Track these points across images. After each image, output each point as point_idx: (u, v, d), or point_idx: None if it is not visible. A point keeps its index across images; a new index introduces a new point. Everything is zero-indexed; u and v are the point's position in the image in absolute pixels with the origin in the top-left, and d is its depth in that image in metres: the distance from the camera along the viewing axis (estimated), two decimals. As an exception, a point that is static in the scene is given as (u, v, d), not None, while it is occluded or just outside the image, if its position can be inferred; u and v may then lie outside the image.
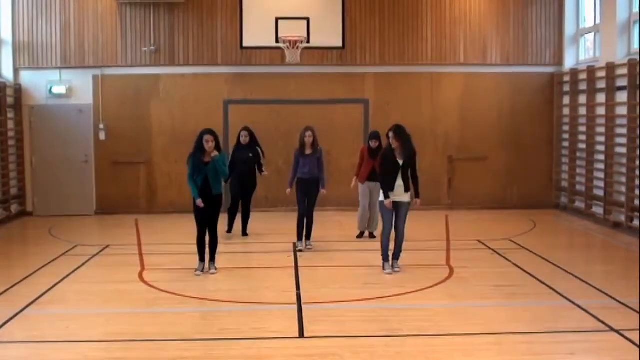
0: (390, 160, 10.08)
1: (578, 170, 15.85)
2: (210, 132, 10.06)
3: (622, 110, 13.72)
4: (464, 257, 11.11)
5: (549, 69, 16.72)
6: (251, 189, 13.21)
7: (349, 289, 9.38)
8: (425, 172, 15.46)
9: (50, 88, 16.05)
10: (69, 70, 16.14)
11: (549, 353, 6.98)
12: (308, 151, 11.80)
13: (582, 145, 15.54)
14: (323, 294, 9.12)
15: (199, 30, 16.25)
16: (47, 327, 7.88)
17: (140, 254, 10.63)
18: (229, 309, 8.53)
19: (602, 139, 14.57)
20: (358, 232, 12.91)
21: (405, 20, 16.45)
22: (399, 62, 16.49)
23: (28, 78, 16.15)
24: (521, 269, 10.43)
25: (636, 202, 13.21)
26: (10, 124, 15.67)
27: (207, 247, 10.27)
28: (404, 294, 9.08)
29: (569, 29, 16.46)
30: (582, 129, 15.55)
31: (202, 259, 10.24)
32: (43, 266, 10.81)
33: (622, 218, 13.69)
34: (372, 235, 12.72)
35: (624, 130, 13.64)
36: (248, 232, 13.30)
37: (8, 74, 15.90)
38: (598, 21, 15.21)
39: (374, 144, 12.30)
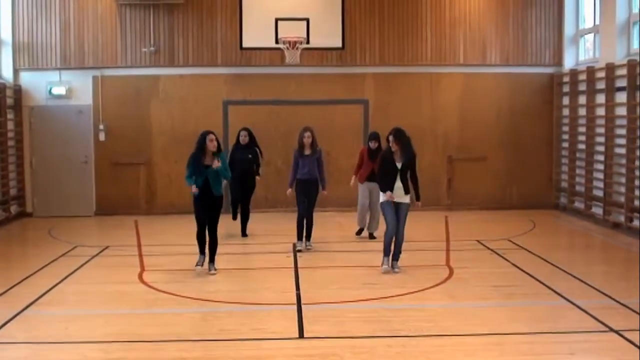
0: (389, 163, 10.08)
1: (577, 171, 15.86)
2: (212, 132, 10.11)
3: (622, 111, 13.72)
4: (463, 257, 11.12)
5: (549, 70, 16.72)
6: (250, 190, 13.24)
7: (348, 289, 9.38)
8: (425, 172, 15.44)
9: (50, 89, 16.05)
10: (68, 71, 16.14)
11: (549, 353, 6.98)
12: (307, 151, 11.81)
13: (582, 146, 15.54)
14: (323, 294, 9.12)
15: (199, 31, 16.25)
16: (47, 327, 7.88)
17: (140, 255, 10.63)
18: (228, 310, 8.53)
19: (601, 139, 14.57)
20: (357, 229, 12.88)
21: (404, 20, 16.45)
22: (398, 63, 16.49)
23: (28, 79, 16.15)
24: (520, 269, 10.43)
25: (636, 202, 13.21)
26: (10, 125, 15.67)
27: (206, 240, 10.29)
28: (404, 294, 9.08)
29: (568, 29, 16.46)
30: (582, 129, 15.55)
31: (202, 252, 10.27)
32: (43, 267, 10.81)
33: (622, 218, 13.69)
34: (371, 236, 12.71)
35: (623, 131, 13.64)
36: (247, 232, 13.31)
37: (8, 75, 15.90)
38: (597, 22, 15.21)
39: (373, 144, 12.30)
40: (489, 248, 12.03)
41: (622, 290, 9.08)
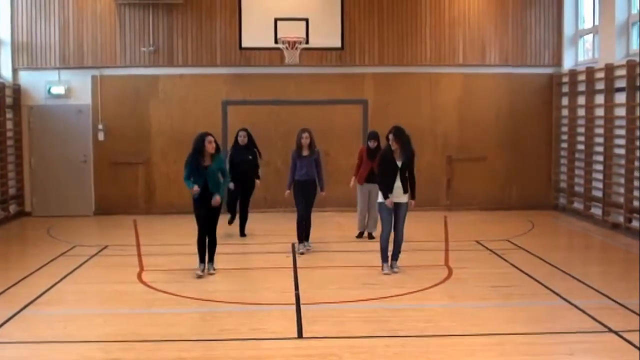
0: (389, 162, 10.08)
1: (577, 171, 15.86)
2: (210, 134, 10.09)
3: (621, 112, 13.73)
4: (462, 257, 11.12)
5: (548, 70, 16.73)
6: (249, 190, 13.22)
7: (348, 290, 9.38)
8: (424, 173, 15.53)
9: (49, 88, 16.04)
10: (67, 70, 16.14)
11: (548, 353, 6.98)
12: (305, 152, 11.78)
13: (581, 146, 15.54)
14: (322, 294, 9.12)
15: (198, 31, 16.25)
16: (46, 327, 7.87)
17: (139, 255, 10.63)
18: (227, 310, 8.52)
19: (600, 140, 14.57)
20: (357, 232, 12.90)
21: (404, 20, 16.45)
22: (397, 63, 16.49)
23: (27, 78, 16.15)
24: (519, 269, 10.43)
25: (635, 203, 13.21)
26: (9, 124, 15.67)
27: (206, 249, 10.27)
28: (403, 294, 9.08)
29: (567, 30, 16.47)
30: (581, 130, 15.55)
31: (202, 260, 10.23)
32: (41, 267, 10.81)
33: (621, 219, 13.69)
34: (370, 236, 12.72)
35: (622, 132, 13.64)
36: (246, 232, 13.30)
37: (7, 74, 15.90)
38: (597, 22, 15.22)
39: (372, 144, 12.29)
40: (488, 248, 12.03)
41: (621, 290, 9.09)
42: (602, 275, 10.24)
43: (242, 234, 13.27)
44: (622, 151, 13.61)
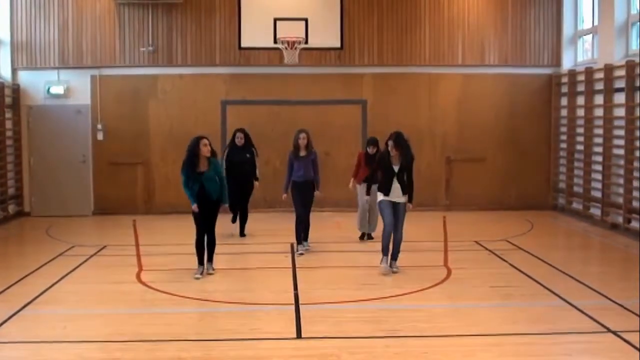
0: (386, 166, 10.06)
1: (576, 172, 15.87)
2: (205, 137, 10.03)
3: (620, 112, 13.73)
4: (461, 258, 11.12)
5: (547, 70, 16.73)
6: (248, 191, 13.19)
7: (346, 290, 9.38)
8: (423, 173, 15.55)
9: (48, 88, 16.04)
10: (67, 70, 16.14)
11: (547, 354, 6.99)
12: (302, 153, 11.74)
13: (580, 147, 15.54)
14: (321, 294, 9.12)
15: (197, 31, 16.25)
16: (45, 327, 7.86)
17: (138, 255, 10.62)
18: (226, 310, 8.52)
19: (599, 140, 14.58)
20: (360, 234, 12.77)
21: (403, 21, 16.46)
22: (397, 63, 16.49)
23: (26, 78, 16.15)
24: (518, 269, 10.44)
25: (634, 203, 13.22)
26: (8, 124, 15.67)
27: (205, 249, 10.26)
28: (402, 294, 9.08)
29: (567, 30, 16.47)
30: (580, 130, 15.56)
31: (201, 263, 10.21)
32: (40, 266, 10.81)
33: (620, 219, 13.70)
34: (369, 237, 12.69)
35: (621, 132, 13.65)
36: (246, 232, 13.30)
37: (6, 74, 15.89)
38: (596, 22, 15.23)
39: (371, 150, 12.17)
40: (487, 249, 12.03)
41: (620, 291, 9.09)
42: (601, 276, 10.23)
43: (242, 234, 13.27)
44: (621, 151, 13.61)
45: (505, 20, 16.59)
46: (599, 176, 14.59)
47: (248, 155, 12.99)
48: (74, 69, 16.14)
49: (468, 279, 9.90)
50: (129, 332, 7.61)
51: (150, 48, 16.09)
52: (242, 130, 13.18)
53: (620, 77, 13.72)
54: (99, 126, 16.17)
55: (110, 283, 9.92)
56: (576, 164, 15.82)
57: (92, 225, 15.35)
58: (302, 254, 11.61)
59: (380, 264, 10.20)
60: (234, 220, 13.33)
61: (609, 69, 14.11)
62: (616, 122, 13.96)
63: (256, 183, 13.26)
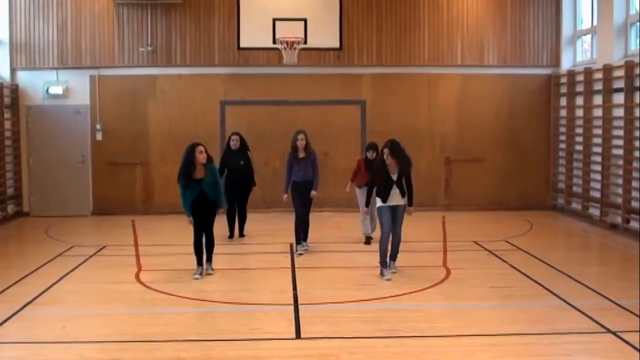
0: (383, 175, 9.97)
1: (575, 172, 15.87)
2: (201, 143, 10.00)
3: (619, 112, 13.74)
4: (460, 258, 11.12)
5: (546, 71, 16.74)
6: (246, 194, 13.12)
7: (346, 290, 9.37)
8: (423, 174, 15.54)
9: (47, 88, 16.03)
10: (66, 70, 16.13)
11: (546, 354, 6.99)
12: (301, 154, 11.70)
13: (579, 147, 15.55)
14: (320, 294, 9.12)
15: (196, 31, 16.24)
16: (44, 327, 7.86)
17: (137, 255, 10.62)
18: (226, 310, 8.52)
19: (598, 140, 14.58)
20: (364, 238, 12.47)
21: (402, 21, 16.45)
22: (396, 63, 16.49)
23: (25, 78, 16.13)
24: (518, 270, 10.44)
25: (633, 203, 13.23)
26: (7, 124, 15.66)
27: (204, 249, 10.25)
28: (401, 294, 9.09)
29: (566, 30, 16.48)
30: (579, 130, 15.56)
31: (200, 263, 10.20)
32: (40, 267, 10.80)
33: (619, 219, 13.71)
34: (368, 240, 12.52)
35: (620, 132, 13.66)
36: (245, 233, 13.29)
37: (5, 74, 15.88)
38: (595, 23, 15.23)
39: (371, 155, 12.03)
40: (486, 249, 12.04)
41: (620, 291, 9.10)
42: (600, 276, 10.23)
43: (242, 234, 13.25)
44: (620, 152, 13.62)
45: (504, 20, 16.59)
46: (598, 176, 14.60)
47: (242, 163, 12.88)
48: (73, 69, 16.13)
49: (467, 279, 9.90)
50: (128, 332, 7.61)
51: (149, 48, 16.08)
52: (237, 134, 13.13)
53: (619, 78, 13.72)
54: (98, 126, 16.16)
55: (110, 283, 9.92)
56: (575, 164, 15.82)
57: (91, 226, 15.34)
58: (301, 254, 11.61)
59: (383, 277, 9.95)
60: (231, 235, 13.05)
61: (608, 69, 14.11)
62: (615, 123, 13.97)
63: (254, 188, 13.19)
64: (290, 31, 15.05)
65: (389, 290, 9.29)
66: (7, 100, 15.65)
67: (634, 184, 13.13)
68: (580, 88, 15.43)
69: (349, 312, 8.34)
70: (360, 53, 16.44)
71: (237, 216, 13.23)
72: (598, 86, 14.60)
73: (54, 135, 16.03)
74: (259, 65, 16.29)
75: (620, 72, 13.68)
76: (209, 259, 10.32)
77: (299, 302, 8.71)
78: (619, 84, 13.72)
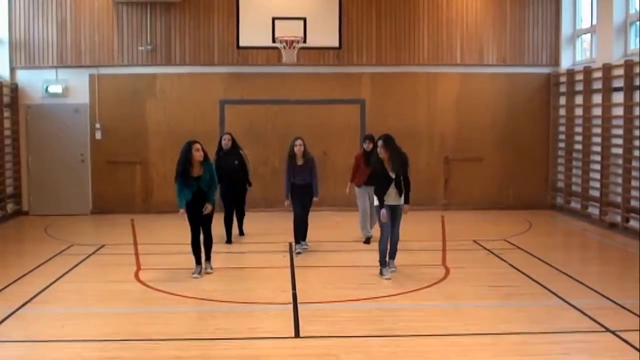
0: (381, 174, 9.96)
1: (574, 171, 15.87)
2: (197, 141, 9.97)
3: (618, 111, 13.74)
4: (459, 257, 11.11)
5: (546, 70, 16.73)
6: (242, 194, 13.03)
7: (344, 289, 9.37)
8: (422, 173, 15.55)
9: (47, 87, 16.02)
10: (65, 69, 16.12)
11: (545, 353, 6.99)
12: (300, 162, 11.60)
13: (578, 146, 15.55)
14: (319, 294, 9.12)
15: (196, 30, 16.23)
16: (43, 326, 7.87)
17: (136, 254, 10.61)
18: (225, 309, 8.52)
19: (598, 139, 14.58)
20: (364, 238, 12.45)
21: (401, 20, 16.45)
22: (395, 63, 16.48)
23: (24, 77, 16.12)
24: (517, 269, 10.44)
25: (632, 202, 13.23)
26: (7, 123, 15.65)
27: (202, 248, 10.24)
28: (400, 294, 9.09)
29: (565, 29, 16.47)
30: (579, 129, 15.56)
31: (198, 262, 10.19)
32: (39, 265, 10.80)
33: (618, 219, 13.71)
34: (368, 240, 12.50)
35: (620, 131, 13.66)
36: (244, 232, 13.25)
37: (4, 73, 15.87)
38: (595, 22, 15.23)
39: (367, 145, 12.06)
40: (485, 248, 12.04)
41: (619, 290, 9.10)
42: (599, 275, 10.23)
43: (241, 232, 13.22)
44: (620, 151, 13.62)
45: (503, 19, 16.59)
46: (597, 175, 14.60)
47: (236, 162, 12.80)
48: (72, 68, 16.12)
49: (466, 279, 9.91)
50: (127, 331, 7.61)
51: (149, 47, 16.07)
52: (228, 134, 13.04)
53: (618, 77, 13.72)
54: (97, 125, 16.16)
55: (109, 282, 9.92)
56: (574, 163, 15.83)
57: (90, 224, 15.34)
58: (300, 253, 11.61)
59: (383, 276, 9.95)
60: (228, 240, 12.72)
61: (607, 69, 14.11)
62: (614, 122, 13.97)
63: (250, 188, 13.13)
64: (289, 30, 15.05)
65: (388, 289, 9.29)
66: (6, 99, 15.64)
67: (634, 183, 13.14)
68: (579, 87, 15.43)
69: (348, 312, 8.34)
70: (359, 52, 16.44)
71: (236, 215, 13.12)
72: (597, 85, 14.60)
73: (53, 134, 16.03)
74: (258, 65, 16.28)
75: (619, 71, 13.68)
76: (208, 258, 10.31)
77: (298, 302, 8.70)
78: (619, 83, 13.72)
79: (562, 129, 16.36)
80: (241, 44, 15.59)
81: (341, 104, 16.45)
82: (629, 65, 13.28)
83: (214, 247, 10.46)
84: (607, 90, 14.15)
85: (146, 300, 8.99)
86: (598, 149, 14.55)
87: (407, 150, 10.28)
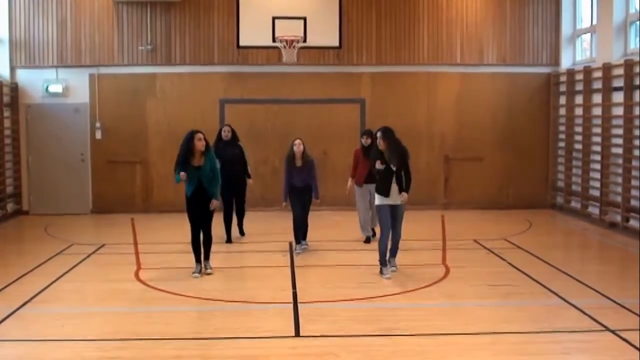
0: (382, 165, 9.95)
1: (574, 171, 15.88)
2: (200, 131, 9.96)
3: (618, 111, 13.74)
4: (459, 256, 11.12)
5: (546, 69, 16.73)
6: (243, 187, 13.00)
7: (344, 289, 9.37)
8: (422, 172, 15.55)
9: (47, 87, 16.02)
10: (65, 69, 16.12)
11: (544, 353, 6.99)
12: (299, 163, 11.57)
13: (578, 146, 15.55)
14: (319, 293, 9.12)
15: (196, 29, 16.23)
16: (43, 325, 7.86)
17: (136, 253, 10.62)
18: (225, 308, 8.52)
19: (598, 139, 14.59)
20: (364, 238, 12.45)
21: (401, 19, 16.45)
22: (395, 62, 16.48)
23: (24, 77, 16.12)
24: (517, 268, 10.44)
25: (632, 202, 13.23)
26: (7, 123, 15.66)
27: (202, 247, 10.24)
28: (400, 293, 9.09)
29: (565, 29, 16.47)
30: (579, 129, 15.56)
31: (198, 261, 10.19)
32: (39, 265, 10.81)
33: (618, 218, 13.71)
34: (373, 234, 12.49)
35: (620, 131, 13.66)
36: (245, 231, 13.22)
37: (5, 73, 15.87)
38: (595, 22, 15.23)
39: (365, 140, 12.07)
40: (485, 247, 12.04)
41: (619, 289, 9.10)
42: (599, 274, 10.23)
43: (241, 232, 13.18)
44: (620, 150, 13.62)
45: (503, 19, 16.59)
46: (597, 175, 14.61)
47: (237, 151, 12.75)
48: (72, 68, 16.12)
49: (466, 278, 9.91)
50: (127, 331, 7.62)
51: (149, 47, 16.07)
52: (228, 125, 13.03)
53: (618, 76, 13.72)
54: (98, 125, 16.16)
55: (109, 281, 9.93)
56: (574, 162, 15.83)
57: (90, 224, 15.34)
58: (299, 252, 11.61)
59: (383, 275, 9.94)
60: (228, 239, 12.68)
61: (607, 68, 14.11)
62: (614, 121, 13.97)
63: (249, 181, 13.05)
64: (289, 30, 15.05)
65: (388, 288, 9.29)
66: (6, 99, 15.64)
67: (634, 182, 13.14)
68: (579, 87, 15.43)
69: (348, 311, 8.34)
70: (359, 52, 16.44)
71: (236, 213, 13.02)
72: (597, 85, 14.60)
73: (53, 134, 16.03)
74: (258, 64, 16.28)
75: (619, 71, 13.68)
76: (207, 257, 10.28)
77: (298, 301, 8.71)
78: (619, 82, 13.72)
79: (562, 128, 16.36)
80: (241, 43, 15.59)
81: (341, 104, 16.45)
82: (629, 65, 13.28)
83: (214, 247, 10.45)
84: (607, 90, 14.15)
85: (146, 299, 8.99)
86: (598, 148, 14.55)
87: (407, 147, 10.26)
